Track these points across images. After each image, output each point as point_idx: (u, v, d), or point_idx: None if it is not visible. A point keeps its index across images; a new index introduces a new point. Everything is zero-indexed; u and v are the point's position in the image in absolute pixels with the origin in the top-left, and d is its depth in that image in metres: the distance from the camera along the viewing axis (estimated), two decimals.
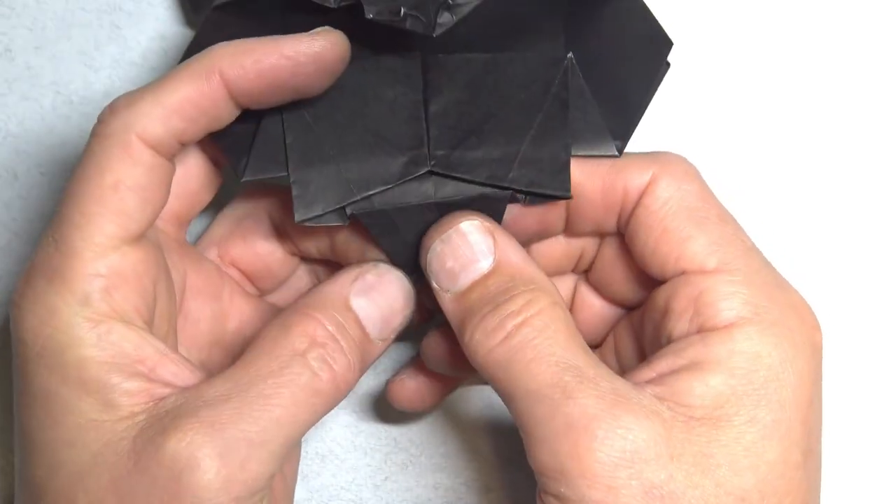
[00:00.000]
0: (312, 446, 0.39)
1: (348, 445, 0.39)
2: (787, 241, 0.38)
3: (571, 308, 0.35)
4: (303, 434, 0.29)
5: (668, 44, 0.31)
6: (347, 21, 0.30)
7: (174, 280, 0.31)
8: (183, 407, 0.27)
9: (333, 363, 0.29)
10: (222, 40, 0.29)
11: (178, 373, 0.29)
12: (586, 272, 0.34)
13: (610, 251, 0.33)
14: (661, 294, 0.30)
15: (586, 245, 0.33)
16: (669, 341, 0.29)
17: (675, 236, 0.30)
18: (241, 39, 0.29)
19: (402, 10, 0.29)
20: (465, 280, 0.30)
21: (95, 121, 0.29)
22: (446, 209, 0.31)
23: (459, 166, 0.31)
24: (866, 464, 0.38)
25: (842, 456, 0.38)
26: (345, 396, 0.29)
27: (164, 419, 0.27)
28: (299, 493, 0.39)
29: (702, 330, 0.29)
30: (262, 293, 0.35)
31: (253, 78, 0.28)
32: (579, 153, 0.32)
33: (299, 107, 0.31)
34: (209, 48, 0.29)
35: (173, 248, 0.32)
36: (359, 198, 0.31)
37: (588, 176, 0.31)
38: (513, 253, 0.30)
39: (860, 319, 0.38)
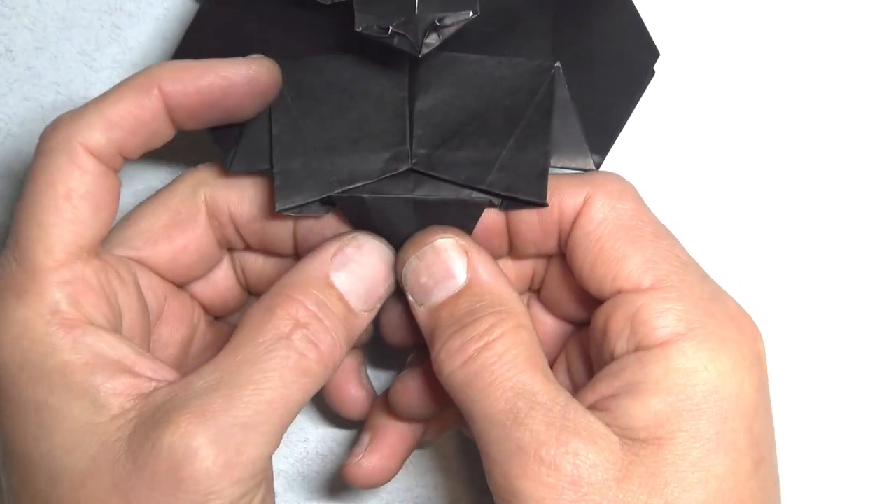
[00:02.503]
0: (312, 446, 0.39)
1: (348, 445, 0.39)
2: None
3: None
4: (295, 414, 0.29)
5: (654, 54, 0.32)
6: (338, 15, 0.30)
7: (152, 303, 0.32)
8: (174, 400, 0.28)
9: (319, 342, 0.29)
10: (215, 33, 0.31)
11: (158, 369, 0.29)
12: (538, 291, 0.34)
13: (555, 270, 0.33)
14: (601, 314, 0.30)
15: (536, 265, 0.34)
16: (612, 360, 0.30)
17: (610, 256, 0.30)
18: (182, 60, 0.30)
19: (390, 28, 0.29)
20: (438, 297, 0.31)
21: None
22: (423, 206, 0.32)
23: (439, 166, 0.31)
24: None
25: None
26: (334, 372, 0.30)
27: (155, 414, 0.27)
28: (299, 492, 0.39)
29: (639, 348, 0.29)
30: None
31: (191, 94, 0.29)
32: (557, 165, 0.32)
33: (287, 100, 0.32)
34: (151, 66, 0.30)
35: (156, 278, 0.32)
36: (339, 191, 0.32)
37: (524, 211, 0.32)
38: (485, 272, 0.31)
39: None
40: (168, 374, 0.29)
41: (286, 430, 0.29)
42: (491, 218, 0.32)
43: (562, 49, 0.32)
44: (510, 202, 0.32)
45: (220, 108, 0.30)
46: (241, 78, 0.30)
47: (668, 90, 0.37)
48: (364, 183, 0.32)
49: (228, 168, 0.32)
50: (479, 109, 0.32)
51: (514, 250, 0.33)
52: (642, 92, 0.32)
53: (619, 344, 0.29)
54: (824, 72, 0.38)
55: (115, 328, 0.29)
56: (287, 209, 0.31)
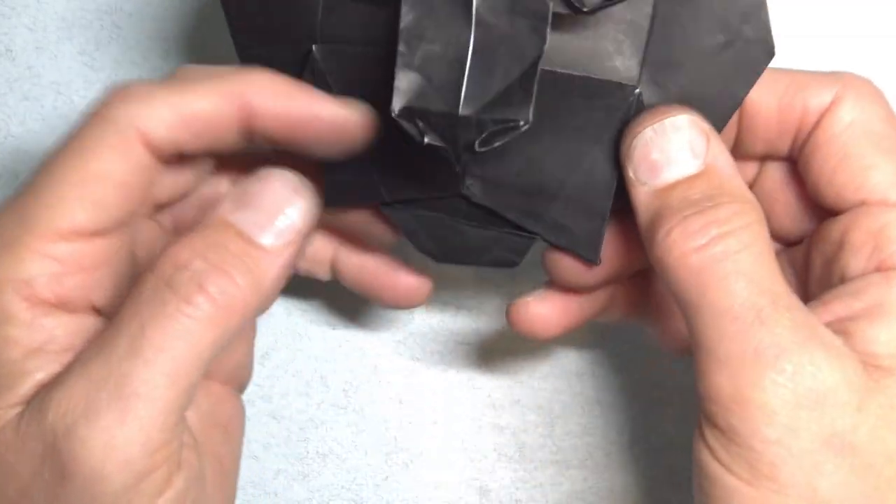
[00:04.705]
0: (313, 445, 0.39)
1: (349, 445, 0.39)
2: None
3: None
4: (197, 369, 0.25)
5: (769, 53, 0.28)
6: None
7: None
8: (60, 376, 0.25)
9: (205, 282, 0.25)
10: (247, 13, 0.28)
11: None
12: None
13: (771, 179, 0.30)
14: (836, 226, 0.28)
15: (745, 172, 0.30)
16: (843, 280, 0.27)
17: (857, 163, 0.27)
18: (276, 75, 0.28)
19: (426, 140, 0.26)
20: (669, 176, 0.27)
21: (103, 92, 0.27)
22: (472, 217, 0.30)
23: (492, 195, 0.29)
24: None
25: None
26: (245, 318, 0.26)
27: (42, 393, 0.25)
28: (300, 492, 0.39)
29: (882, 268, 0.26)
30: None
31: (276, 117, 0.28)
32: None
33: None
34: (242, 70, 0.28)
35: (155, 230, 0.30)
36: (388, 201, 0.30)
37: (764, 93, 0.29)
38: (724, 162, 0.27)
39: None
40: None
41: (191, 392, 0.26)
42: None
43: (654, 57, 0.29)
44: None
45: (299, 140, 0.28)
46: (331, 118, 0.28)
47: None
48: (414, 197, 0.30)
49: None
50: (544, 126, 0.29)
51: (738, 147, 0.30)
52: (743, 97, 0.29)
53: (857, 261, 0.27)
54: None
55: (103, 307, 0.27)
56: (334, 206, 0.30)
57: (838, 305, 0.26)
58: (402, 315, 0.39)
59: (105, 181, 0.26)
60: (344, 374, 0.39)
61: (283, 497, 0.39)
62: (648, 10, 0.28)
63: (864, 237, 0.27)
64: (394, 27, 0.26)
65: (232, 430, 0.31)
